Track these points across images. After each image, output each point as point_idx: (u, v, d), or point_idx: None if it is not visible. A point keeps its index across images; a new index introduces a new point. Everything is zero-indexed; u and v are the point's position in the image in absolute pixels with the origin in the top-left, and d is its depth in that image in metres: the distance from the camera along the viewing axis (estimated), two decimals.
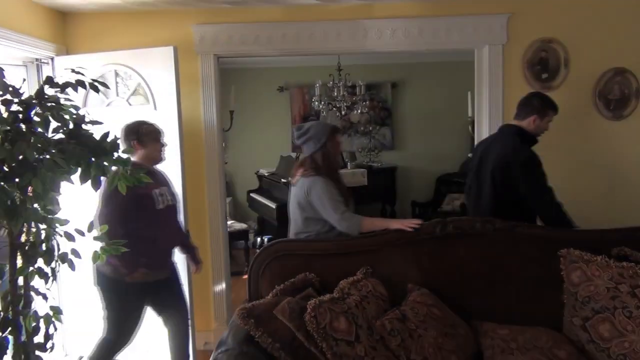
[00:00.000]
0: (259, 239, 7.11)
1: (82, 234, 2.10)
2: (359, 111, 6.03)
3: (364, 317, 2.35)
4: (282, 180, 5.85)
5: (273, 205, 5.82)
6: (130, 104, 3.54)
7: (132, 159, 2.87)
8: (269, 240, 7.10)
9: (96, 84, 2.20)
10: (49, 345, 2.10)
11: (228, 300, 4.06)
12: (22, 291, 2.03)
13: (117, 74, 3.51)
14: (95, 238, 2.19)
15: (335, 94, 5.97)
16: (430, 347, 2.32)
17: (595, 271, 2.49)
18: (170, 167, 3.26)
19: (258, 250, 2.92)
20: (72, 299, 3.69)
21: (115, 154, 2.10)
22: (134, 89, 3.50)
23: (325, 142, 2.98)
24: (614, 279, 2.42)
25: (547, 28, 3.80)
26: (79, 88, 2.10)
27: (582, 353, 2.36)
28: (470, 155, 4.42)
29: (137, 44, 3.61)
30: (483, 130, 3.98)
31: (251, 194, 6.83)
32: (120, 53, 3.47)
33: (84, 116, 2.14)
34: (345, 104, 5.93)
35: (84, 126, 2.10)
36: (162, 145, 3.03)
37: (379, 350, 2.29)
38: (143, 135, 2.94)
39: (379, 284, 2.61)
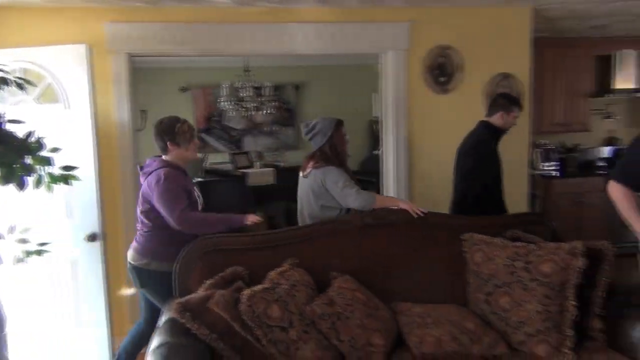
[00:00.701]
0: None
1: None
2: (267, 112, 6.16)
3: (295, 304, 2.49)
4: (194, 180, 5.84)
5: None
6: (39, 103, 3.41)
7: (166, 158, 2.99)
8: None
9: (21, 81, 2.16)
10: None
11: None
12: None
13: (26, 72, 3.36)
14: None
15: (243, 94, 6.05)
16: (357, 327, 2.51)
17: (494, 251, 2.82)
18: (85, 167, 3.18)
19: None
20: None
21: (40, 153, 2.08)
22: (44, 87, 3.38)
23: (332, 135, 3.23)
24: (511, 257, 2.76)
25: (444, 36, 4.17)
26: None
27: (486, 324, 2.67)
28: (375, 152, 4.71)
29: (47, 41, 3.48)
30: (388, 129, 4.26)
31: None
32: (29, 50, 3.33)
33: (4, 114, 2.09)
34: (253, 104, 6.03)
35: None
36: (196, 143, 3.09)
37: (310, 333, 2.45)
38: (177, 135, 2.95)
39: (305, 274, 2.76)
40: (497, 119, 3.56)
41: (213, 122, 7.45)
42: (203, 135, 7.41)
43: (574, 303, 2.53)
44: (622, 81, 6.37)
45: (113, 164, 3.82)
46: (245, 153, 6.95)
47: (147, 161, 3.06)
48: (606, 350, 2.56)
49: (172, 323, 2.44)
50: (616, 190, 2.68)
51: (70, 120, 3.30)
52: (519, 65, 4.32)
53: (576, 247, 2.63)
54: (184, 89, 7.34)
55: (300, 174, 3.38)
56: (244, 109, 6.18)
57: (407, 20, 4.10)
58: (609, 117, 6.56)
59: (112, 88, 3.79)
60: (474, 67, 4.23)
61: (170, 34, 3.85)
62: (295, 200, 6.42)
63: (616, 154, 6.43)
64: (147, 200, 2.95)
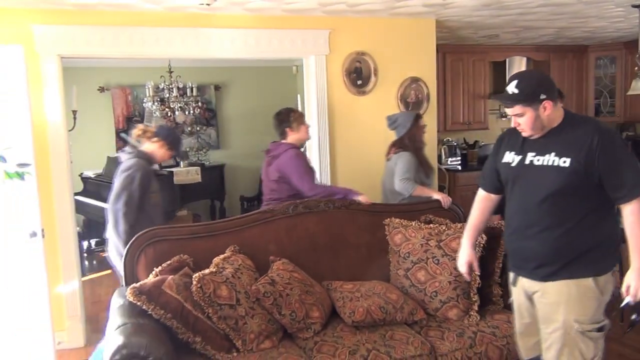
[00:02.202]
0: (85, 243, 6.95)
1: None
2: (192, 112, 6.32)
3: (240, 285, 2.78)
4: None
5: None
6: None
7: (286, 141, 3.67)
8: (96, 243, 6.99)
9: None
10: None
11: (82, 299, 4.10)
12: None
13: None
14: None
15: (168, 95, 6.17)
16: (296, 302, 2.83)
17: (412, 233, 3.26)
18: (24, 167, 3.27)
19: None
20: None
21: None
22: None
23: (411, 127, 3.82)
24: (425, 237, 3.21)
25: (360, 43, 4.59)
26: None
27: (407, 295, 3.09)
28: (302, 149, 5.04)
29: None
30: (312, 128, 4.60)
31: (76, 197, 6.64)
32: None
33: None
34: (179, 104, 6.17)
35: None
36: (307, 126, 3.73)
37: (256, 310, 2.75)
38: (293, 121, 3.63)
39: (246, 258, 3.05)
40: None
41: (133, 123, 7.45)
42: (123, 135, 7.40)
43: (478, 273, 3.00)
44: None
45: (48, 163, 3.88)
46: None
47: (270, 146, 3.74)
48: (504, 312, 3.05)
49: (127, 307, 2.63)
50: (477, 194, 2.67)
51: (8, 120, 3.35)
52: (426, 70, 4.83)
53: None
54: (102, 89, 7.30)
55: (385, 158, 3.98)
56: (169, 109, 6.29)
57: (326, 28, 4.48)
58: (504, 116, 7.32)
59: (44, 89, 3.85)
60: (387, 71, 4.69)
61: (99, 36, 3.96)
62: (218, 198, 6.80)
63: None
64: (281, 174, 3.55)
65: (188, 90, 6.41)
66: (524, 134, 2.26)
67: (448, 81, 6.58)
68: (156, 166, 3.63)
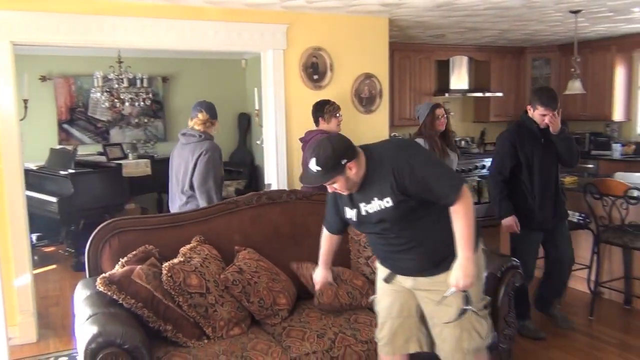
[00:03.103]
0: None
1: None
2: (142, 103, 6.22)
3: (209, 274, 2.83)
4: (61, 172, 5.71)
5: (53, 200, 5.64)
6: None
7: (318, 128, 4.15)
8: (38, 238, 6.75)
9: None
10: None
11: (34, 294, 4.00)
12: None
13: None
14: None
15: (117, 85, 6.05)
16: (264, 290, 2.91)
17: None
18: None
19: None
20: None
21: None
22: None
23: (427, 116, 4.21)
24: None
25: (317, 38, 4.69)
26: None
27: (370, 281, 3.22)
28: (259, 142, 5.09)
29: None
30: (269, 121, 4.68)
31: None
32: None
33: None
34: (129, 95, 6.06)
35: None
36: (340, 119, 4.17)
37: (225, 297, 2.81)
38: (326, 112, 4.14)
39: (212, 248, 3.09)
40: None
41: (77, 114, 7.25)
42: (66, 126, 7.18)
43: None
44: (457, 82, 7.49)
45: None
46: (119, 145, 6.90)
47: (305, 133, 4.22)
48: None
49: (95, 297, 2.63)
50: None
51: None
52: (379, 67, 5.00)
53: None
54: (44, 78, 7.04)
55: None
56: (119, 100, 6.16)
57: (284, 23, 4.55)
58: (447, 113, 7.62)
59: None
60: (342, 67, 4.81)
61: (54, 24, 3.86)
62: (165, 191, 6.75)
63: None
64: None
65: (138, 82, 6.29)
66: (345, 194, 2.38)
67: (396, 78, 6.80)
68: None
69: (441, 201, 2.24)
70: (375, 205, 2.30)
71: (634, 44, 6.59)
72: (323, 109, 4.17)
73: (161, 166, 7.02)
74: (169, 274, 2.67)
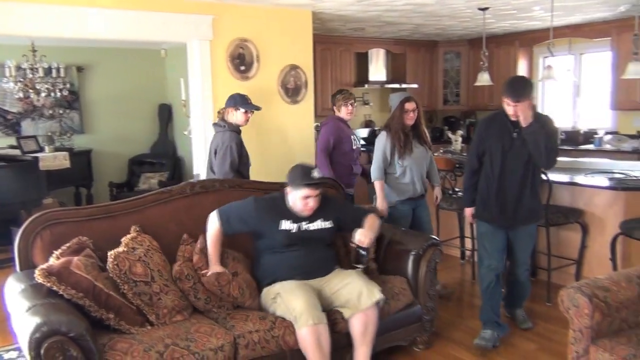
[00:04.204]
0: None
1: None
2: (60, 94, 5.98)
3: (153, 263, 2.87)
4: None
5: None
6: None
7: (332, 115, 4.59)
8: None
9: None
10: None
11: None
12: None
13: None
14: None
15: (31, 75, 5.79)
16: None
17: None
18: None
19: None
20: None
21: None
22: None
23: (395, 108, 3.98)
24: None
25: (243, 30, 4.76)
26: None
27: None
28: (186, 132, 5.08)
29: None
30: (197, 112, 4.70)
31: None
32: None
33: None
34: (45, 85, 5.81)
35: None
36: (349, 108, 4.50)
37: (169, 286, 2.87)
38: (337, 101, 4.52)
39: (152, 239, 3.09)
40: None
41: None
42: None
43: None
44: (375, 74, 7.80)
45: None
46: (33, 137, 6.58)
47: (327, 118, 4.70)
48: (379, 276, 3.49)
49: (31, 290, 2.60)
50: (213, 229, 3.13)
51: None
52: (304, 58, 5.15)
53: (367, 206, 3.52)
54: None
55: None
56: (33, 90, 5.89)
57: (210, 14, 4.58)
58: (366, 103, 7.92)
59: None
60: (268, 58, 4.92)
61: None
62: (85, 185, 6.56)
63: (373, 134, 7.84)
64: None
65: (54, 71, 6.04)
66: (308, 213, 3.08)
67: (318, 69, 6.98)
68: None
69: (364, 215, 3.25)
70: (318, 224, 3.11)
71: (535, 39, 7.18)
72: (335, 97, 4.56)
73: (80, 159, 6.84)
74: (115, 262, 2.70)
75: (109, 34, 4.24)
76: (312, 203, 3.04)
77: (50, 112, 7.05)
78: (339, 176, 4.29)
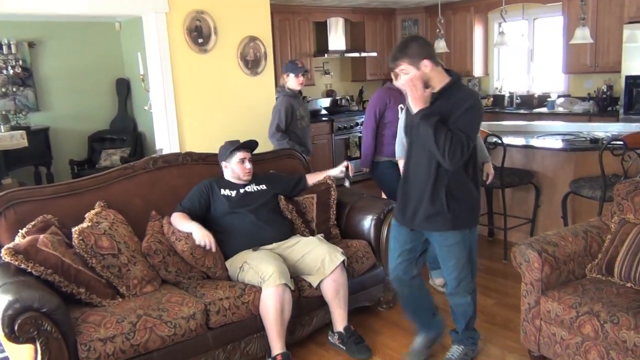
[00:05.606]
0: None
1: None
2: (13, 70, 5.82)
3: (119, 236, 2.91)
4: None
5: None
6: None
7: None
8: None
9: None
10: None
11: None
12: None
13: None
14: None
15: None
16: (182, 262, 3.04)
17: None
18: None
19: None
20: None
21: None
22: None
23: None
24: None
25: (199, 1, 4.70)
26: None
27: None
28: (146, 107, 5.03)
29: None
30: (156, 87, 4.66)
31: None
32: None
33: None
34: None
35: None
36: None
37: (137, 257, 2.92)
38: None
39: (117, 213, 3.14)
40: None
41: None
42: None
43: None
44: (335, 43, 7.82)
45: None
46: None
47: None
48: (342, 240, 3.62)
49: (2, 268, 2.62)
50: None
51: None
52: (262, 29, 5.13)
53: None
54: None
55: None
56: None
57: None
58: (327, 73, 7.96)
59: None
60: (226, 30, 4.88)
61: None
62: (44, 164, 6.43)
63: (334, 103, 7.91)
64: None
65: (4, 48, 5.86)
66: (248, 177, 3.43)
67: (277, 40, 6.96)
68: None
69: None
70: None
71: (490, 6, 7.31)
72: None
73: (38, 137, 6.71)
74: (80, 237, 2.73)
75: (60, 8, 4.13)
76: (249, 165, 3.41)
77: (4, 89, 6.85)
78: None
